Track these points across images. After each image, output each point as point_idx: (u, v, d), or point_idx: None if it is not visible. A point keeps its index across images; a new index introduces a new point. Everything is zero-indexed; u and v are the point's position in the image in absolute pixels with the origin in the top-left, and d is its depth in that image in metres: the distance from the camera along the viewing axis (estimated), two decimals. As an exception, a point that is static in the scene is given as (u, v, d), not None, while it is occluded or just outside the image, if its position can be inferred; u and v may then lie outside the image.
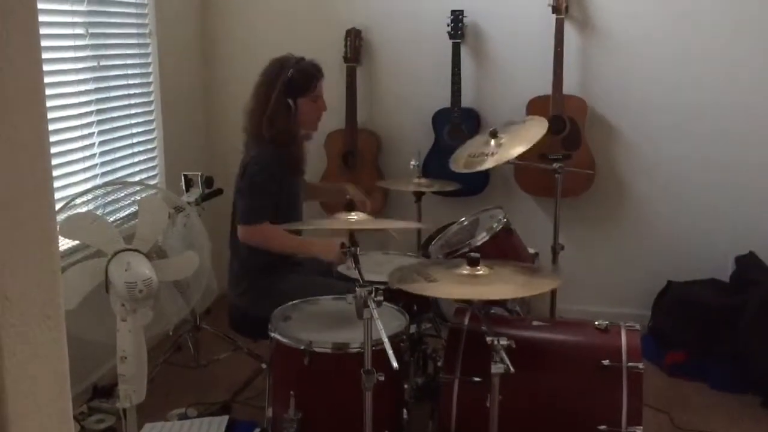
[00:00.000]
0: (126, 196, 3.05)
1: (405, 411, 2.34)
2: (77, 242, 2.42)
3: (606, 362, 2.20)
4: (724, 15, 3.53)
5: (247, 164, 2.77)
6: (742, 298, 3.26)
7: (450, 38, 3.70)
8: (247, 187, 2.74)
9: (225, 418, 2.86)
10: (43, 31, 2.75)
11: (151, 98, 3.64)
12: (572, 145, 3.61)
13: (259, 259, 2.77)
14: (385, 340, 1.85)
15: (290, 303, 2.49)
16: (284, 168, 2.79)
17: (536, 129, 2.76)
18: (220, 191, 3.31)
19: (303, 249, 2.80)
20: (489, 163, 2.72)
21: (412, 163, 3.21)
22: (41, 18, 2.65)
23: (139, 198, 2.52)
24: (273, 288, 2.75)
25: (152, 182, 3.65)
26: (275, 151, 2.76)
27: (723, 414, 3.01)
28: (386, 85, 3.96)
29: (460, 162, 2.81)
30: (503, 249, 2.67)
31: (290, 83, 2.76)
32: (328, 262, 2.74)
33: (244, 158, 2.82)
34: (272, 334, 2.31)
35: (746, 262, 3.51)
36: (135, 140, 3.50)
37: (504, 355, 1.99)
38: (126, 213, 3.19)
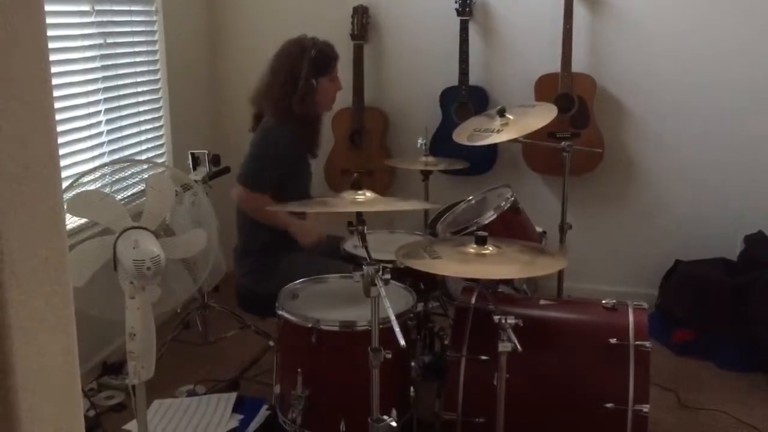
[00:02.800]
0: (133, 174, 3.05)
1: (412, 389, 2.35)
2: (85, 220, 2.42)
3: (613, 341, 2.20)
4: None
5: (270, 132, 2.80)
6: (751, 277, 3.25)
7: (458, 15, 3.66)
8: (263, 153, 2.78)
9: (233, 395, 2.89)
10: (48, 8, 2.74)
11: (158, 76, 3.63)
12: (581, 123, 3.58)
13: (262, 237, 2.79)
14: (393, 318, 1.85)
15: (298, 281, 2.50)
16: (303, 147, 2.84)
17: (545, 114, 2.75)
18: (227, 169, 3.30)
19: (284, 226, 2.81)
20: (493, 139, 2.71)
21: (420, 141, 3.19)
22: (47, -5, 2.64)
23: (146, 176, 2.52)
24: (276, 267, 2.76)
25: (159, 160, 3.65)
26: (300, 128, 2.81)
27: (730, 393, 3.02)
28: (394, 62, 3.94)
29: (463, 135, 2.80)
30: (511, 228, 2.66)
31: (316, 63, 2.80)
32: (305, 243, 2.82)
33: (266, 127, 2.83)
34: (280, 312, 2.32)
35: (755, 241, 3.49)
36: (142, 118, 3.50)
37: (511, 333, 1.99)
38: (133, 191, 3.20)
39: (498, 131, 2.72)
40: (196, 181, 2.92)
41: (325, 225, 2.90)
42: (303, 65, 2.79)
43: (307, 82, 2.79)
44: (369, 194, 2.20)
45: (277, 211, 2.76)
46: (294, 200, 2.74)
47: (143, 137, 3.52)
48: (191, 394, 2.95)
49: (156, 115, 3.64)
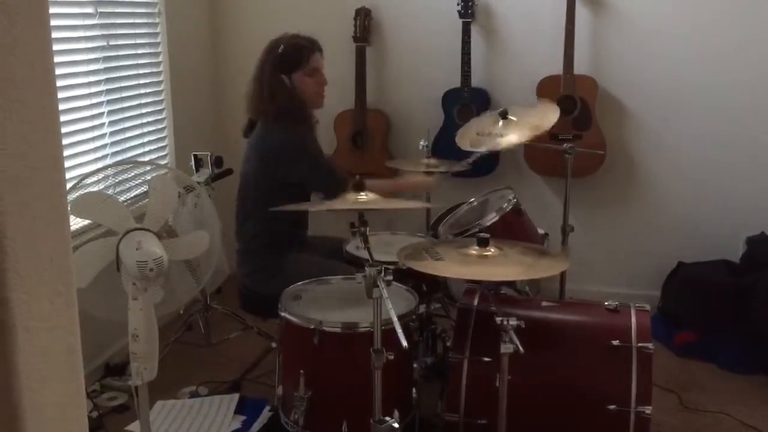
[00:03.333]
0: (136, 175, 3.05)
1: (414, 390, 2.35)
2: (88, 221, 2.43)
3: (615, 343, 2.20)
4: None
5: (279, 143, 2.74)
6: (753, 279, 3.25)
7: (460, 17, 3.67)
8: (310, 159, 2.74)
9: (235, 396, 2.89)
10: (51, 10, 2.75)
11: (161, 78, 3.64)
12: (583, 125, 3.58)
13: (263, 239, 2.79)
14: (395, 320, 1.86)
15: (300, 282, 2.50)
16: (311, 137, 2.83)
17: (548, 115, 2.75)
18: (229, 171, 3.31)
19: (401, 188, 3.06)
20: (497, 145, 2.71)
21: (422, 143, 3.20)
22: (50, -3, 2.65)
23: (149, 178, 2.52)
24: (277, 268, 2.76)
25: (162, 162, 3.65)
26: (291, 124, 2.76)
27: (732, 394, 3.02)
28: (396, 64, 3.94)
29: (466, 139, 2.80)
30: (513, 230, 2.67)
31: (282, 59, 2.75)
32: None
33: (259, 140, 2.80)
34: (282, 314, 2.32)
35: (758, 243, 3.49)
36: (145, 120, 3.51)
37: (513, 335, 1.99)
38: (136, 192, 3.20)
39: (501, 135, 2.71)
40: (198, 183, 2.93)
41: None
42: (268, 64, 2.76)
43: (274, 79, 2.74)
44: (371, 196, 2.21)
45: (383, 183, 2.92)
46: (295, 201, 2.73)
47: (146, 139, 3.53)
48: (194, 395, 2.96)
49: (159, 117, 3.64)
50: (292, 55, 2.77)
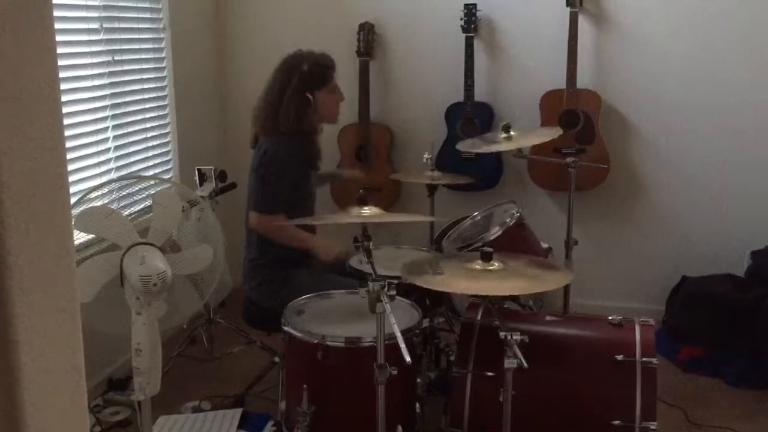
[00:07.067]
0: (140, 190, 3.07)
1: (418, 405, 2.35)
2: (92, 236, 2.44)
3: (620, 357, 2.19)
4: (741, 7, 3.50)
5: (265, 152, 2.78)
6: (758, 293, 3.24)
7: (463, 32, 3.69)
8: (269, 175, 2.75)
9: (238, 411, 2.89)
10: (57, 26, 2.77)
11: (165, 92, 3.66)
12: (586, 139, 3.59)
13: (273, 252, 2.79)
14: (398, 334, 1.85)
15: (303, 297, 2.50)
16: (302, 161, 2.81)
17: (548, 133, 2.79)
18: (233, 185, 3.32)
19: (305, 245, 2.81)
20: (497, 147, 2.74)
21: (426, 156, 3.20)
22: (56, 13, 2.67)
23: (153, 192, 2.53)
24: (286, 282, 2.76)
25: (166, 176, 3.66)
26: (294, 143, 2.77)
27: (738, 410, 3.00)
28: (399, 79, 3.96)
29: (467, 144, 2.85)
30: (516, 243, 2.66)
31: (308, 77, 2.77)
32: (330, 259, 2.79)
33: (261, 148, 2.83)
34: (285, 328, 2.32)
35: (762, 257, 3.48)
36: (149, 135, 3.52)
37: (517, 349, 1.99)
38: (140, 207, 3.21)
39: (500, 142, 2.75)
40: (202, 197, 2.94)
41: (345, 242, 2.89)
42: (292, 81, 2.77)
43: (299, 97, 2.76)
44: (374, 210, 2.21)
45: (298, 231, 2.76)
46: (301, 216, 2.74)
47: (150, 153, 3.54)
48: (197, 410, 2.95)
49: (163, 132, 3.66)
50: (317, 74, 2.80)
